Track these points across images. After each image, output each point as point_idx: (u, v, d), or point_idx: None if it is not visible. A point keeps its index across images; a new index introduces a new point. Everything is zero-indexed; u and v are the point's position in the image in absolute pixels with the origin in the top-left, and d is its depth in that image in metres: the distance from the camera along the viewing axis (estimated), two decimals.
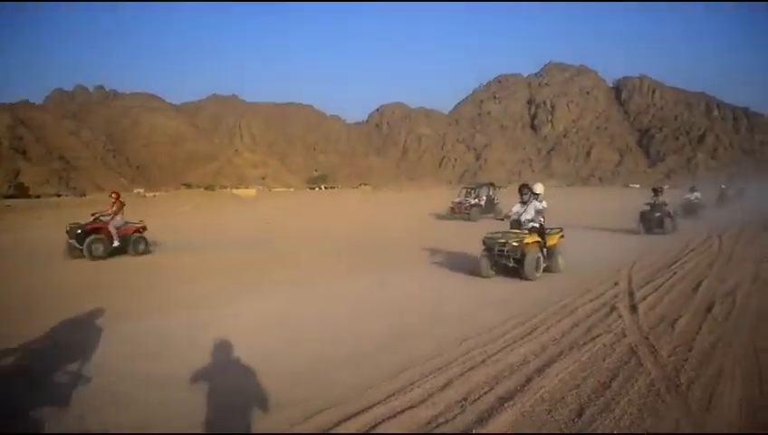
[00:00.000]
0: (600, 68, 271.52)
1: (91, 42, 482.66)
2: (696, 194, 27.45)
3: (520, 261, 10.15)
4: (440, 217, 29.87)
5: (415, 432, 3.36)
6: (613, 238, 17.83)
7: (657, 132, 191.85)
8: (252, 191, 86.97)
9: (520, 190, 11.35)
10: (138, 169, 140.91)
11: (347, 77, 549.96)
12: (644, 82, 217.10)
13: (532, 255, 10.18)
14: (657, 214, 19.41)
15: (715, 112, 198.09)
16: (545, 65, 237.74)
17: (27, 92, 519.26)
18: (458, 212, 28.10)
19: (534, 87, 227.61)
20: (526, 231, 10.64)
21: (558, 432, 3.32)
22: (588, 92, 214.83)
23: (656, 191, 20.82)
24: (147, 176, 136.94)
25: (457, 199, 29.65)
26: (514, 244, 10.21)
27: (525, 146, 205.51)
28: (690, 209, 26.17)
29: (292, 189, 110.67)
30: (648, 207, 19.91)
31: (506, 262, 10.36)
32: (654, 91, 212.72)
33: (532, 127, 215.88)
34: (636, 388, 4.56)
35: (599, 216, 27.82)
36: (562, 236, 11.66)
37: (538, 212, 10.84)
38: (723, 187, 38.13)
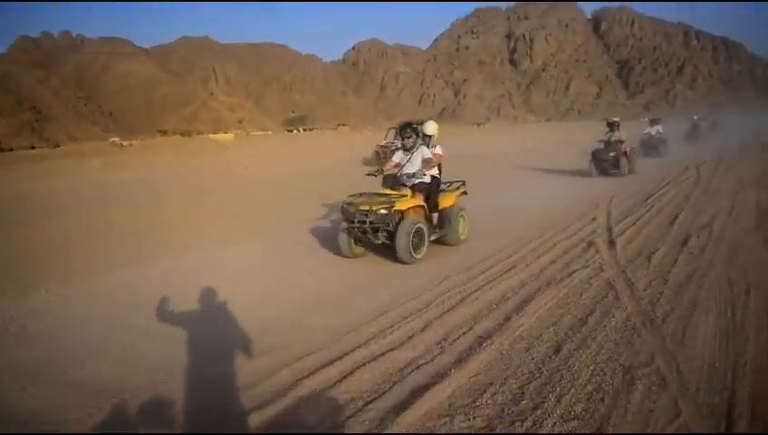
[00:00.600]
0: None
1: None
2: (658, 127, 24.51)
3: (393, 235, 7.15)
4: (367, 161, 26.03)
5: (420, 433, 3.20)
6: (556, 183, 15.98)
7: (636, 64, 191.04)
8: (230, 136, 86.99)
9: (400, 133, 8.26)
10: (111, 116, 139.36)
11: (322, 14, 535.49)
12: (623, 12, 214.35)
13: (409, 226, 7.11)
14: (612, 153, 17.14)
15: (694, 43, 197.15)
16: None
17: None
18: (384, 157, 23.20)
19: (513, 21, 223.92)
20: (406, 190, 7.71)
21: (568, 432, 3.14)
22: (566, 25, 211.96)
23: (611, 126, 18.50)
24: (121, 123, 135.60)
25: (383, 142, 26.04)
26: (382, 211, 7.15)
27: (504, 81, 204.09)
28: (651, 146, 23.62)
29: (269, 132, 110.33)
30: (601, 145, 17.81)
31: (372, 237, 7.38)
32: (633, 23, 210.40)
33: (511, 61, 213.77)
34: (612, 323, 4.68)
35: (558, 155, 26.24)
36: (464, 193, 8.87)
37: (426, 162, 7.79)
38: (695, 118, 34.46)
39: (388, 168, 8.28)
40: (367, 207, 7.26)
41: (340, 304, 5.69)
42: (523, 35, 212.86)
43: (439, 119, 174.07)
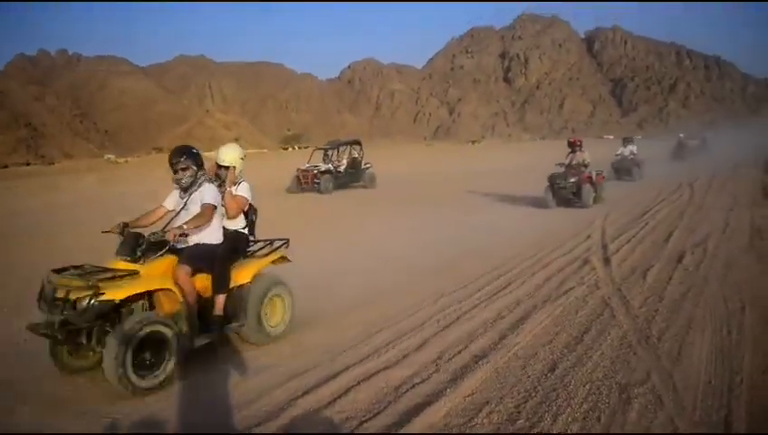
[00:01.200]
0: (572, 19, 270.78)
1: (51, 4, 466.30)
2: (632, 148, 22.25)
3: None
4: (291, 190, 22.13)
5: (420, 433, 3.20)
6: (496, 220, 12.57)
7: (630, 82, 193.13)
8: None
9: (170, 161, 4.98)
10: (107, 133, 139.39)
11: (318, 33, 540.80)
12: (616, 32, 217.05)
13: (129, 328, 4.14)
14: (573, 179, 14.07)
15: (686, 62, 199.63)
16: (518, 17, 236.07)
17: None
18: (306, 183, 21.31)
19: (507, 40, 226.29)
20: (169, 258, 4.71)
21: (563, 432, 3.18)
22: (560, 44, 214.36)
23: (572, 146, 15.39)
24: (116, 141, 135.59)
25: (305, 165, 22.28)
26: (82, 301, 4.05)
27: (499, 99, 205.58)
28: (623, 169, 21.28)
29: (265, 150, 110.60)
30: (561, 169, 14.73)
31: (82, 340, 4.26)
32: (626, 42, 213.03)
33: (506, 80, 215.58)
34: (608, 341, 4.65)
35: (531, 178, 19.63)
36: (282, 258, 5.69)
37: (206, 207, 4.83)
38: (681, 136, 33.15)
39: (137, 220, 5.00)
40: (63, 293, 4.18)
41: None
42: (518, 54, 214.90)
43: (435, 136, 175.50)
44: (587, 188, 13.92)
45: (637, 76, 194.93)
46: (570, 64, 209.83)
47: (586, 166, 14.50)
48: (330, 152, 23.18)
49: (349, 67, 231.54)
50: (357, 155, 23.45)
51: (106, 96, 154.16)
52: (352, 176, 22.62)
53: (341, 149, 24.03)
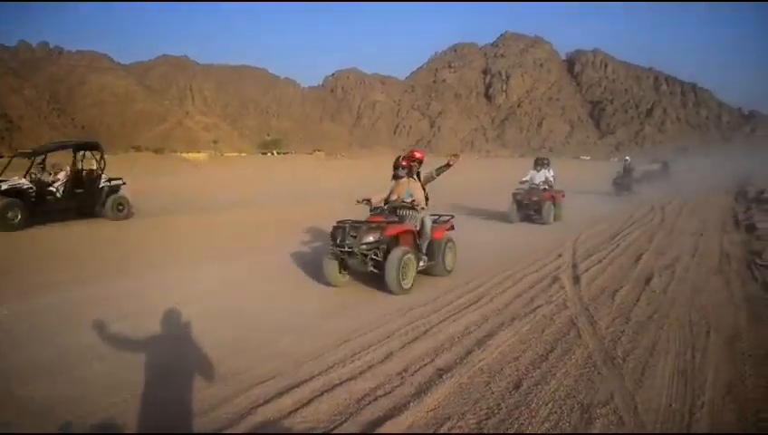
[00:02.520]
0: (554, 40, 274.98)
1: None
2: (546, 173, 15.37)
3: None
4: None
5: (420, 432, 3.24)
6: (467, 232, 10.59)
7: (608, 105, 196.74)
8: (202, 155, 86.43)
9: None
10: (84, 129, 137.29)
11: (303, 39, 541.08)
12: (597, 55, 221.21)
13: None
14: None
15: (664, 87, 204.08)
16: (501, 35, 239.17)
17: None
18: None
19: (490, 57, 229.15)
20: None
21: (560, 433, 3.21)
22: (542, 64, 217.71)
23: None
24: (94, 137, 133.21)
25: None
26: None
27: (479, 115, 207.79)
28: (527, 204, 14.72)
29: (243, 154, 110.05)
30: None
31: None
32: (606, 65, 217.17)
33: (487, 96, 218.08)
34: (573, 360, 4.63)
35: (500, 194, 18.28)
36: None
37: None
38: (627, 160, 26.19)
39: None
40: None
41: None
42: (500, 72, 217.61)
43: None
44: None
45: (615, 99, 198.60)
46: (550, 84, 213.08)
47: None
48: (38, 159, 13.72)
49: (332, 75, 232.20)
50: (95, 166, 14.52)
51: (85, 91, 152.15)
52: (81, 199, 13.65)
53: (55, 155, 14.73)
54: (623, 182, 24.12)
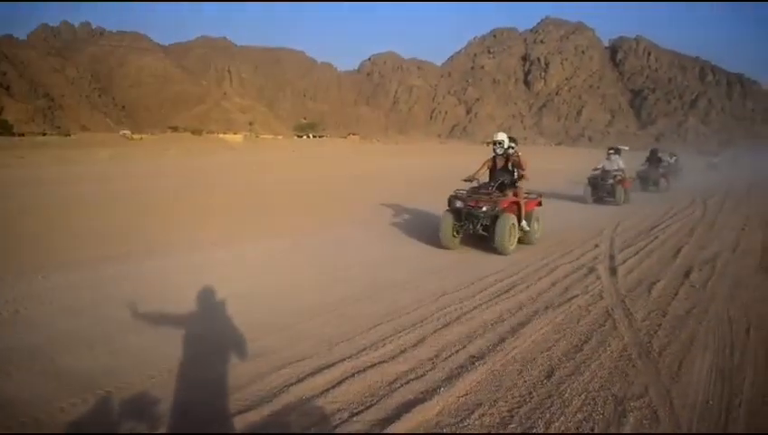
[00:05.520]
0: (596, 26, 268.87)
1: None
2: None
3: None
4: None
5: (421, 433, 3.25)
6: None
7: (650, 94, 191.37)
8: (238, 137, 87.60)
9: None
10: (124, 109, 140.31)
11: (340, 23, 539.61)
12: (640, 43, 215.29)
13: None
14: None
15: (709, 77, 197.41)
16: (542, 20, 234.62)
17: (11, 28, 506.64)
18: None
19: (530, 43, 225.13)
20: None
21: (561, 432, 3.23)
22: (583, 51, 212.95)
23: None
24: (133, 117, 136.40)
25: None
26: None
27: (517, 102, 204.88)
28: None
29: (279, 137, 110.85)
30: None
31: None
32: (649, 53, 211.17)
33: (525, 83, 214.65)
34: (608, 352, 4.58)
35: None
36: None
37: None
38: (614, 150, 18.54)
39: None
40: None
41: None
42: (539, 58, 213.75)
43: (450, 135, 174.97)
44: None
45: (658, 88, 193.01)
46: (591, 72, 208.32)
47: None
48: None
49: (369, 59, 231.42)
50: None
51: (125, 72, 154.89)
52: None
53: None
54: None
